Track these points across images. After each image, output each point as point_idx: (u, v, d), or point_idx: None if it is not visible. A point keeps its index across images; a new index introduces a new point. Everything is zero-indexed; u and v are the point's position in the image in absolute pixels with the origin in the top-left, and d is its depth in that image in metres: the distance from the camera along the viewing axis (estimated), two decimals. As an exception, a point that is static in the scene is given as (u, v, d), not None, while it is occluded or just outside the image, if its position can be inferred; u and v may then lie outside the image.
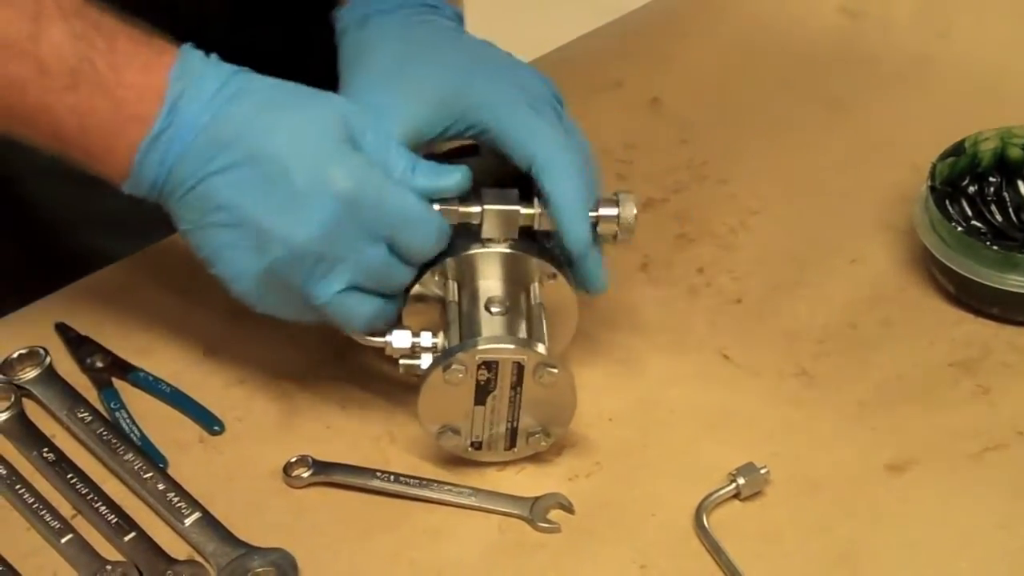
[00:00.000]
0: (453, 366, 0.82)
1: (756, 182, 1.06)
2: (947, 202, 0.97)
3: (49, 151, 0.83)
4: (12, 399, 0.90)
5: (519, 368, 0.83)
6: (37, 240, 1.07)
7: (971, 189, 0.99)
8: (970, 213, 0.98)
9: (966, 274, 0.93)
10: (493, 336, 0.84)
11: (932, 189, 0.96)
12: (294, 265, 0.81)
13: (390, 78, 0.87)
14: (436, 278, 0.86)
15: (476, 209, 0.85)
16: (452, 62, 0.88)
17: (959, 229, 0.94)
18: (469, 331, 0.85)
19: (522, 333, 0.85)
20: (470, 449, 0.86)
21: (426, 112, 0.86)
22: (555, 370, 0.83)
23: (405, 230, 0.82)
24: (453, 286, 0.86)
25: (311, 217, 0.80)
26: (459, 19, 0.93)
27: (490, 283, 0.86)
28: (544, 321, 0.86)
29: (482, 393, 0.84)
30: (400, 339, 0.85)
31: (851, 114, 1.12)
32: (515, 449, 0.86)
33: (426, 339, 0.85)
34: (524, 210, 0.85)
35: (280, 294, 0.83)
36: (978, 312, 0.95)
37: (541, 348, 0.83)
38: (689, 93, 1.15)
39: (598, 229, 0.85)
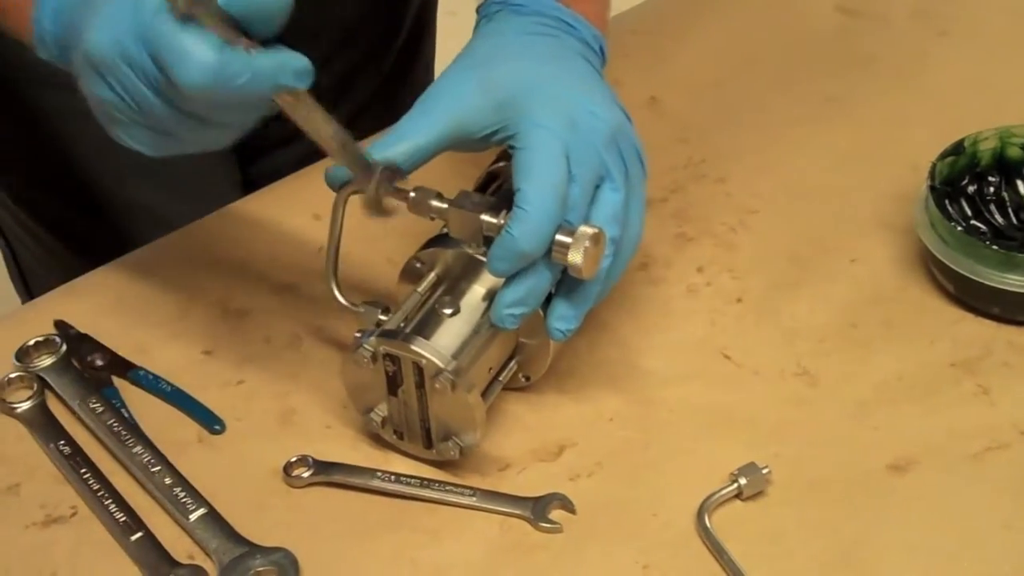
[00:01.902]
0: (360, 348, 0.83)
1: (755, 181, 1.06)
2: (947, 202, 0.97)
3: None
4: (35, 388, 0.90)
5: (419, 369, 0.83)
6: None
7: (971, 189, 0.99)
8: (970, 213, 0.98)
9: (966, 274, 0.93)
10: (398, 331, 0.84)
11: (932, 188, 0.96)
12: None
13: (476, 66, 0.88)
14: (418, 265, 0.88)
15: (444, 206, 0.84)
16: (533, 75, 0.87)
17: (959, 229, 0.94)
18: (408, 321, 0.85)
19: (452, 339, 0.84)
20: (394, 436, 0.86)
21: (482, 106, 0.86)
22: (449, 380, 0.82)
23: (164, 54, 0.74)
24: (431, 277, 0.87)
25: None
26: (594, 46, 0.92)
27: (461, 284, 0.86)
28: (485, 335, 0.85)
29: (392, 384, 0.84)
30: (369, 313, 0.87)
31: (850, 113, 1.12)
32: (433, 451, 0.86)
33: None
34: (487, 219, 0.83)
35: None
36: (978, 312, 0.95)
37: (433, 356, 0.82)
38: (687, 92, 1.15)
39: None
